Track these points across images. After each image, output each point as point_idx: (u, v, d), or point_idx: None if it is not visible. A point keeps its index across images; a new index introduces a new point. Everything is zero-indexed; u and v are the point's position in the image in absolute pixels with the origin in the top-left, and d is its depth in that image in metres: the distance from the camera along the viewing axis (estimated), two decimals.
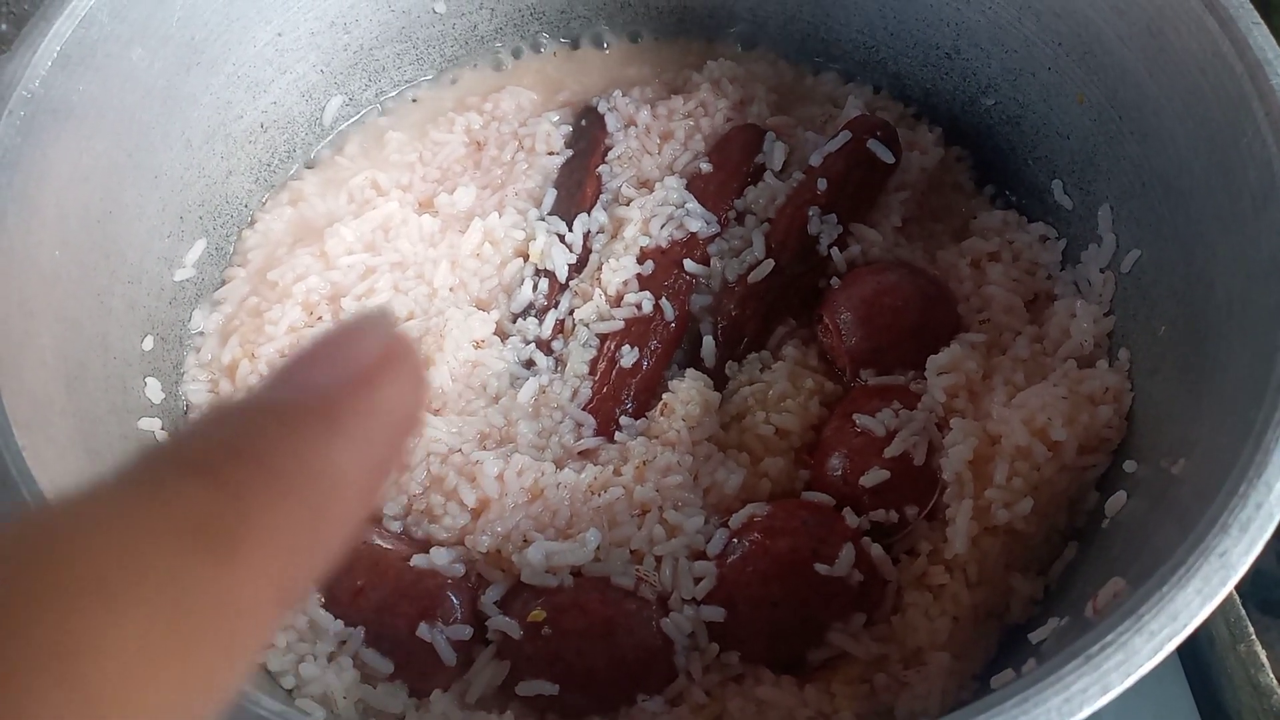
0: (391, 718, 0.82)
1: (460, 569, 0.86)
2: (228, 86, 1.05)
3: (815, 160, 1.09)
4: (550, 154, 1.15)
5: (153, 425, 0.92)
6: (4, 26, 1.38)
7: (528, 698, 0.81)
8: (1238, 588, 0.89)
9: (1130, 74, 0.90)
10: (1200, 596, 0.56)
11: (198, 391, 0.99)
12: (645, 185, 1.11)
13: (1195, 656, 1.00)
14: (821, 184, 1.06)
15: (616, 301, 1.03)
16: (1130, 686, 0.97)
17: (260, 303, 1.03)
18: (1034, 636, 0.78)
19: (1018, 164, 1.10)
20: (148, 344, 0.95)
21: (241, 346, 1.00)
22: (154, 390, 0.94)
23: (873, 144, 1.08)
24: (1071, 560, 0.87)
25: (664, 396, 0.97)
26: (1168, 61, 0.85)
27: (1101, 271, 0.98)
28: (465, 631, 0.83)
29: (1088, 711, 0.53)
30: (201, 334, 1.03)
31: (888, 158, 1.08)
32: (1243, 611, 0.90)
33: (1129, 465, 0.85)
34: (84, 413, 0.81)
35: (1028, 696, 0.54)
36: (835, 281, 1.03)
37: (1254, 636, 0.88)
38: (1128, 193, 0.94)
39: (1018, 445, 0.86)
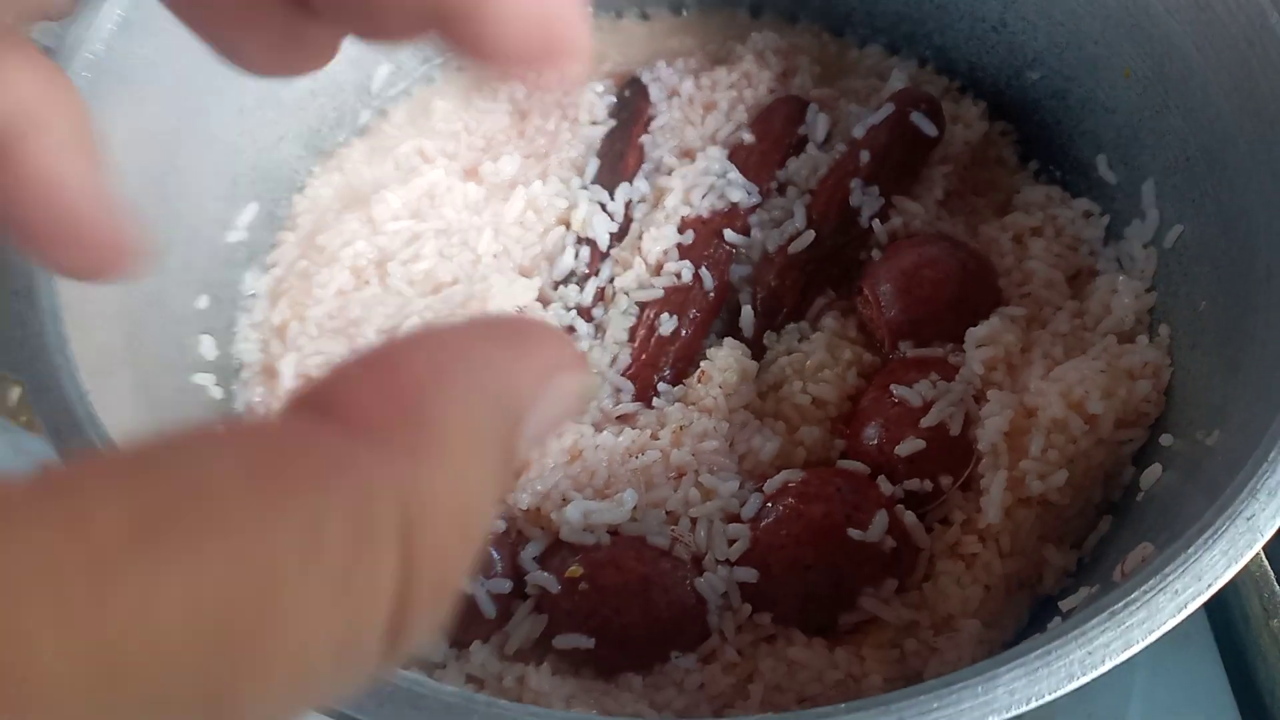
0: (433, 667, 0.84)
1: (501, 525, 0.88)
2: None
3: (858, 132, 1.09)
4: (593, 124, 1.16)
5: (206, 380, 0.95)
6: None
7: (564, 651, 0.83)
8: (1272, 564, 0.90)
9: (1177, 47, 0.90)
10: (1225, 558, 0.57)
11: (249, 350, 1.01)
12: (687, 155, 1.12)
13: (1230, 636, 1.00)
14: (864, 156, 1.07)
15: (657, 270, 1.04)
16: (1163, 669, 0.98)
17: (309, 266, 1.05)
18: (1065, 604, 0.79)
19: (1063, 139, 1.10)
20: (202, 303, 0.98)
21: (291, 308, 1.02)
22: (208, 348, 0.97)
23: (916, 117, 1.08)
24: (1106, 533, 0.88)
25: (702, 364, 0.98)
26: (1215, 34, 0.85)
27: (1144, 247, 0.98)
28: (505, 585, 0.85)
29: (1109, 665, 0.54)
30: (253, 295, 1.05)
31: (931, 131, 1.08)
32: (1277, 588, 0.90)
33: (1165, 439, 0.85)
34: (142, 365, 0.84)
35: (1051, 650, 0.55)
36: (876, 254, 1.04)
37: None
38: (1172, 167, 0.94)
39: (1054, 418, 0.87)
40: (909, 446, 0.90)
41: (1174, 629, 1.01)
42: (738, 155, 1.11)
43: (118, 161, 0.86)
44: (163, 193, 0.93)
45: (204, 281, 0.99)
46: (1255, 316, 0.77)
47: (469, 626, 0.85)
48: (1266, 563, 0.92)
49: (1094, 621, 0.56)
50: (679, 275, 1.03)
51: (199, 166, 0.99)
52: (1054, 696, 0.55)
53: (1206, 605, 1.00)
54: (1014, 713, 0.55)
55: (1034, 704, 0.55)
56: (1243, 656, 0.98)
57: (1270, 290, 0.76)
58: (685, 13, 1.27)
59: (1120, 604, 0.56)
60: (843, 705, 0.55)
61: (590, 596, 0.83)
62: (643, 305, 1.03)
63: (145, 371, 0.84)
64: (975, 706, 0.55)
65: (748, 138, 1.12)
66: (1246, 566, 0.94)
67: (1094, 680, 1.01)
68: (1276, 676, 0.93)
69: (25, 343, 0.70)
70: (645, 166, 1.13)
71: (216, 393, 0.96)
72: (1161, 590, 0.56)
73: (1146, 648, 0.99)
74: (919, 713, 0.54)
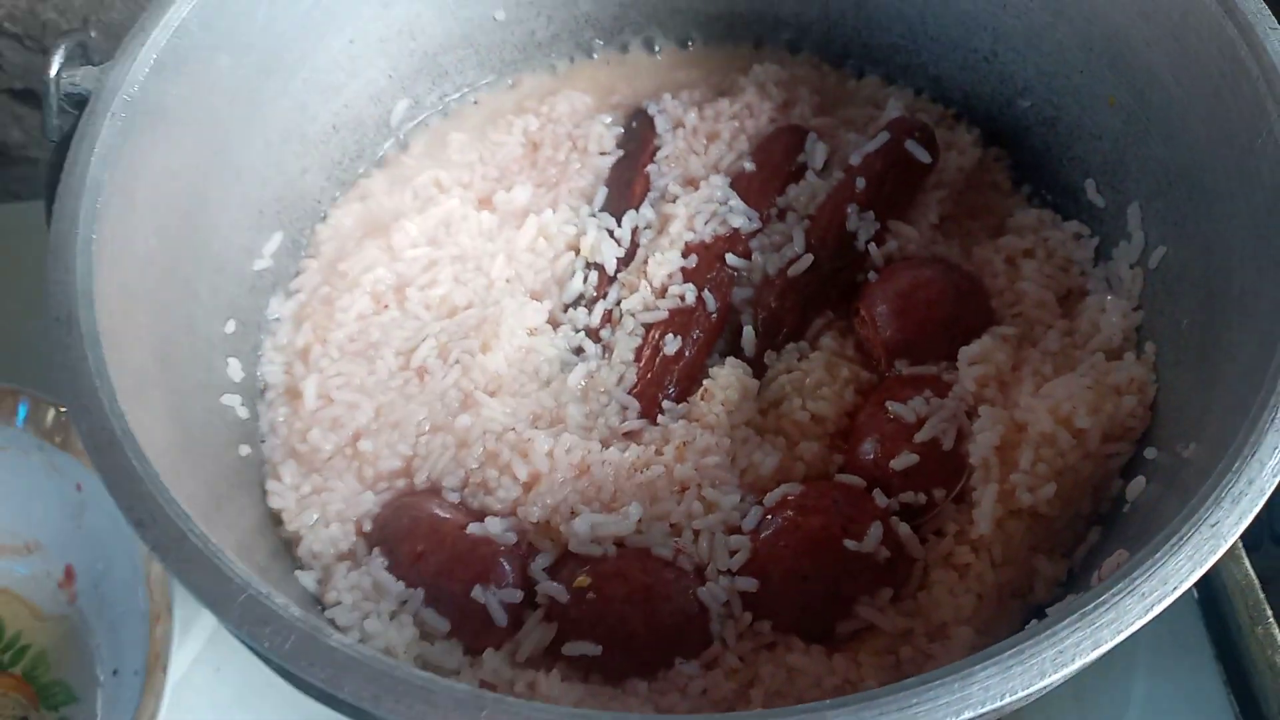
0: (447, 673, 0.87)
1: (512, 537, 0.91)
2: (304, 90, 1.13)
3: (855, 160, 1.13)
4: (602, 154, 1.21)
5: (233, 400, 0.99)
6: (94, 34, 1.47)
7: (573, 658, 0.86)
8: (1258, 573, 0.93)
9: (1157, 77, 0.94)
10: (1191, 562, 0.60)
11: (274, 372, 1.06)
12: (691, 183, 1.16)
13: (1226, 643, 1.02)
14: (860, 183, 1.10)
15: (661, 293, 1.08)
16: (1162, 675, 1.00)
17: (331, 291, 1.10)
18: (1050, 611, 0.82)
19: (1053, 164, 1.13)
20: (230, 327, 1.03)
21: (314, 332, 1.07)
22: (235, 370, 1.02)
23: (910, 145, 1.12)
24: (1095, 544, 0.91)
25: (705, 383, 1.01)
26: (1191, 65, 0.89)
27: (1131, 268, 1.01)
28: (516, 595, 0.88)
29: (1080, 664, 0.58)
30: (278, 320, 1.10)
31: (924, 158, 1.12)
32: (1261, 595, 0.92)
33: (1149, 452, 0.88)
34: (174, 387, 0.88)
35: (1024, 649, 0.58)
36: (873, 276, 1.08)
37: (1271, 619, 0.91)
38: (1155, 191, 0.97)
39: (1043, 432, 0.90)
40: (904, 461, 0.93)
41: (1172, 637, 1.03)
42: (739, 183, 1.15)
43: (151, 195, 0.91)
44: (193, 224, 0.98)
45: (232, 307, 1.04)
46: (1231, 333, 0.80)
47: (481, 634, 0.88)
48: (1252, 572, 0.95)
49: (1065, 622, 0.59)
50: (683, 298, 1.07)
51: (227, 198, 1.04)
52: (1026, 693, 0.58)
53: (1203, 613, 1.03)
54: (989, 708, 0.58)
55: (1007, 700, 0.58)
56: (1239, 663, 1.01)
57: (1244, 308, 0.79)
58: (691, 46, 1.32)
59: (1090, 605, 0.60)
60: (828, 701, 0.59)
61: (598, 606, 0.87)
62: (648, 327, 1.07)
63: (176, 393, 0.89)
64: (952, 702, 0.58)
65: (749, 166, 1.16)
66: (1233, 576, 0.97)
67: (1094, 687, 1.04)
68: (1266, 680, 0.95)
69: (66, 367, 0.75)
70: (651, 194, 1.17)
71: (243, 412, 1.01)
72: (1130, 593, 0.60)
73: (1146, 656, 1.02)
74: (899, 707, 0.58)
